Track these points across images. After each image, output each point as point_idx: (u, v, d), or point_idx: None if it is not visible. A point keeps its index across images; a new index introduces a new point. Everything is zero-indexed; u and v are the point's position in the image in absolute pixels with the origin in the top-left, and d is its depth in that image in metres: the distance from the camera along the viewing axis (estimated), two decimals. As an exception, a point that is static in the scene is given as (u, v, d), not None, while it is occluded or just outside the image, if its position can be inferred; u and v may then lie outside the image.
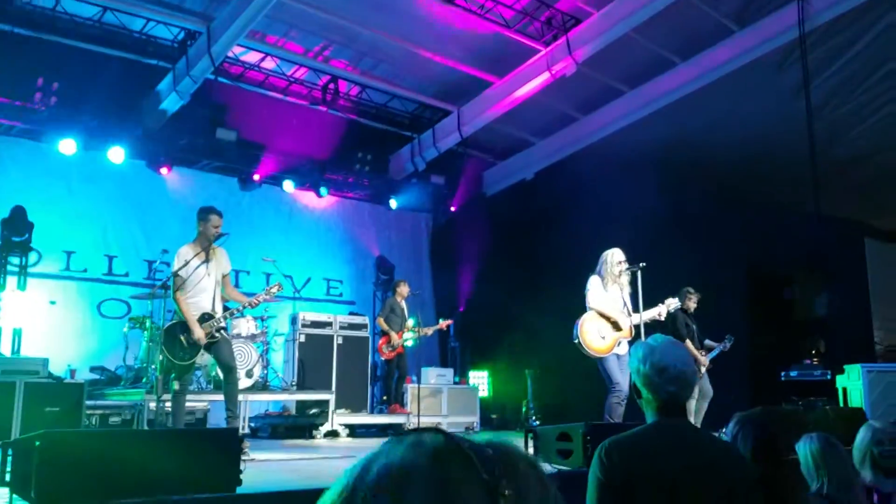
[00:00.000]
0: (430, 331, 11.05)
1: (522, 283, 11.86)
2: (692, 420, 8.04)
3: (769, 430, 2.90)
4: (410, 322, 10.71)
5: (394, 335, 10.45)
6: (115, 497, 3.55)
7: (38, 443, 3.54)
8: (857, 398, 9.21)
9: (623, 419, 6.56)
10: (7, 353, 8.95)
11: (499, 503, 0.71)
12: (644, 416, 2.65)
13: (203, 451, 4.10)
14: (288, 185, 12.34)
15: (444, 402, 11.52)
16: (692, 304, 8.91)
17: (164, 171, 11.09)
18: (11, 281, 9.30)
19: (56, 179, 10.50)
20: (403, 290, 10.73)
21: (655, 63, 10.84)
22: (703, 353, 8.92)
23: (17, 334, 9.18)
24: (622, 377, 6.58)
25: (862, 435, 3.46)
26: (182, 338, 6.54)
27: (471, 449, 0.75)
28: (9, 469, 3.85)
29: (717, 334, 9.17)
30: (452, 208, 14.13)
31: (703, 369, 8.71)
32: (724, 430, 3.14)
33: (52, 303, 10.11)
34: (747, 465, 2.53)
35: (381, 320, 10.61)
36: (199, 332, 6.53)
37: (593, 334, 6.80)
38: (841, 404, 9.24)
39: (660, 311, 7.23)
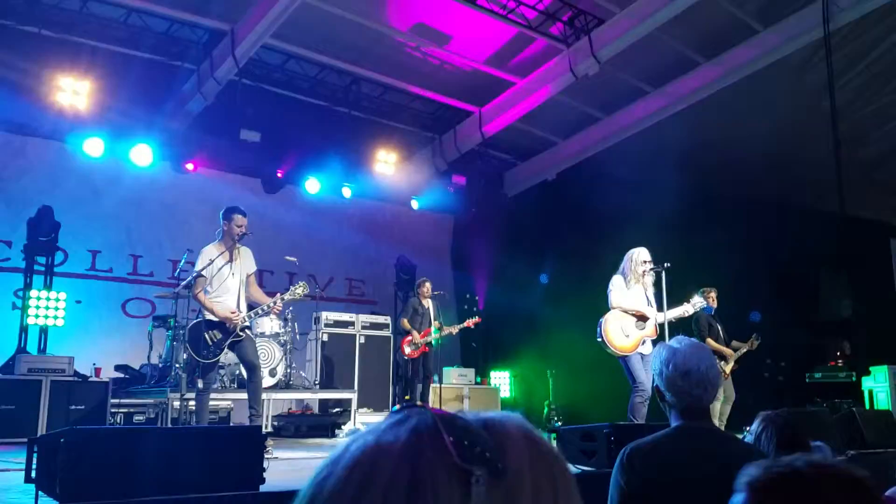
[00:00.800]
0: (455, 329, 10.97)
1: (545, 284, 11.82)
2: (716, 423, 8.00)
3: (794, 430, 2.87)
4: (437, 322, 10.66)
5: (415, 334, 10.44)
6: (139, 494, 3.57)
7: (63, 440, 3.58)
8: (883, 400, 9.12)
9: (647, 419, 6.52)
10: (34, 351, 9.06)
11: (471, 490, 0.67)
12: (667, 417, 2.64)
13: (227, 449, 4.13)
14: (311, 186, 12.40)
15: (466, 402, 11.52)
16: (713, 302, 8.82)
17: (189, 166, 11.18)
18: (38, 280, 9.41)
19: (82, 180, 10.62)
20: (425, 289, 10.70)
21: (679, 62, 10.78)
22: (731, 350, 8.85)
23: (43, 333, 9.30)
24: (646, 377, 6.54)
25: None
26: (207, 336, 6.57)
27: (455, 428, 0.71)
28: (34, 465, 3.89)
29: (742, 335, 9.10)
30: (474, 209, 14.12)
31: (729, 368, 8.63)
32: (747, 428, 3.10)
33: (78, 302, 10.22)
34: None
35: (404, 321, 10.63)
36: (230, 316, 6.55)
37: (617, 332, 6.75)
38: (867, 406, 9.14)
39: (685, 310, 7.15)
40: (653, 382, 2.66)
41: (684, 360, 2.49)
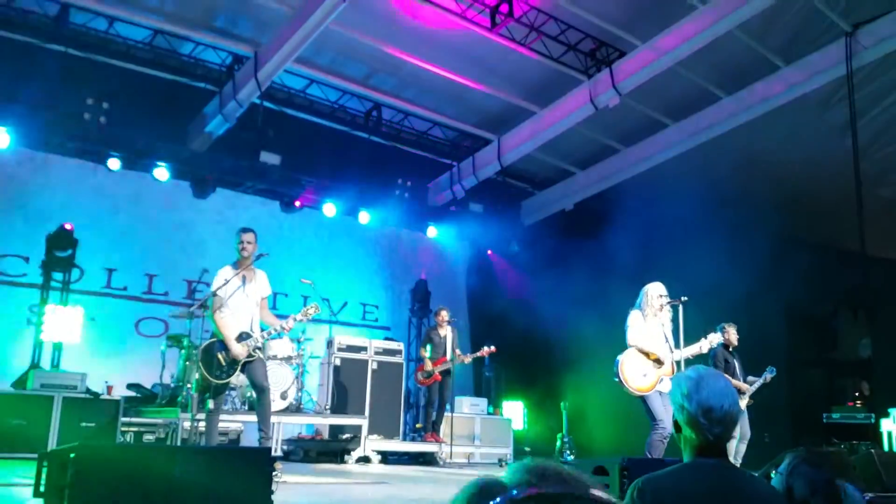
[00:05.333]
0: (468, 358, 10.86)
1: (560, 315, 11.74)
2: (731, 460, 7.85)
3: (827, 472, 2.78)
4: (457, 351, 10.58)
5: (428, 363, 10.39)
6: (146, 512, 3.54)
7: (72, 455, 3.56)
8: (902, 443, 8.97)
9: (664, 456, 6.41)
10: (47, 367, 9.07)
11: None
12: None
13: (236, 470, 4.08)
14: (328, 210, 12.43)
15: (477, 432, 11.42)
16: (733, 339, 8.71)
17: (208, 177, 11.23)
18: (54, 296, 9.44)
19: (101, 197, 10.69)
20: (440, 317, 10.64)
21: (699, 96, 10.77)
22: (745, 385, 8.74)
23: (57, 349, 9.30)
24: (666, 415, 6.42)
25: None
26: (220, 356, 6.55)
27: None
28: (43, 480, 3.86)
29: (757, 370, 8.98)
30: (490, 237, 14.10)
31: (745, 403, 8.50)
32: (776, 470, 3.01)
33: (92, 319, 10.24)
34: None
35: (421, 349, 10.64)
36: (236, 349, 6.54)
37: (635, 372, 6.64)
38: (885, 449, 8.99)
39: (701, 346, 7.04)
40: (673, 416, 2.59)
41: (708, 396, 2.40)
